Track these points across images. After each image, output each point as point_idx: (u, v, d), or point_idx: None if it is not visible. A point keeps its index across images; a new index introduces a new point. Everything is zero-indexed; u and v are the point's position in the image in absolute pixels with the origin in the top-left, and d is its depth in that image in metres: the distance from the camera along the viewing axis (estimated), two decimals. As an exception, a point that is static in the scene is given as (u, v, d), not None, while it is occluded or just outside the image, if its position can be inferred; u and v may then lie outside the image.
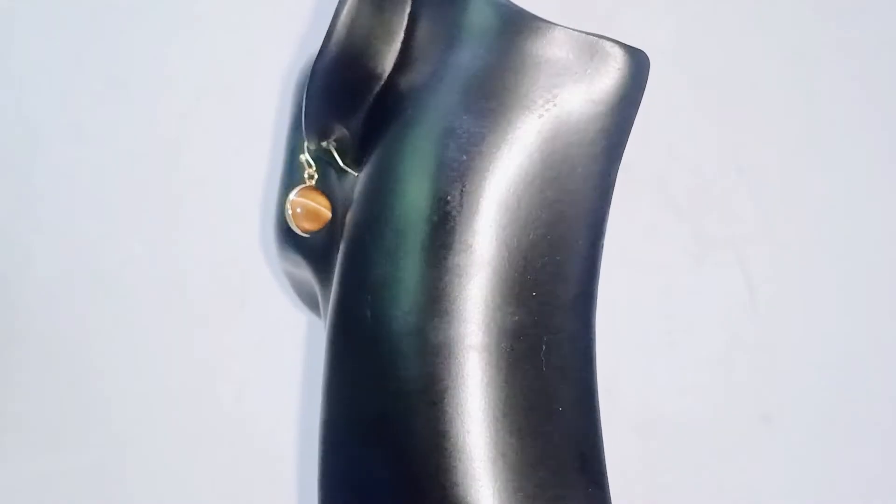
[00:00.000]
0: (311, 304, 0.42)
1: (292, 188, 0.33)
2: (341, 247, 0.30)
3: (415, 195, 0.27)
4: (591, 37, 0.28)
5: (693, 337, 0.53)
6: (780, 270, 0.53)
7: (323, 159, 0.33)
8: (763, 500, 0.52)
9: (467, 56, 0.28)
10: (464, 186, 0.27)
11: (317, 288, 0.35)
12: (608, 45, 0.28)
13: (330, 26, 0.30)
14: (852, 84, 0.53)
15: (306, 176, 0.33)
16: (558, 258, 0.28)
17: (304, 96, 0.31)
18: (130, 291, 0.52)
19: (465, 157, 0.27)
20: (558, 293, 0.29)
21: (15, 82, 0.53)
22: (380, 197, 0.28)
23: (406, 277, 0.27)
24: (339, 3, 0.30)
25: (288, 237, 0.35)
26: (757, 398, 0.52)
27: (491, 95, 0.27)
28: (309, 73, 0.31)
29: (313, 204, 0.32)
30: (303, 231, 0.32)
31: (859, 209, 0.53)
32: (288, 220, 0.32)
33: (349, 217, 0.30)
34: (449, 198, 0.27)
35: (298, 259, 0.36)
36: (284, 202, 0.33)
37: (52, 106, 0.53)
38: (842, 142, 0.53)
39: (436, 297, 0.27)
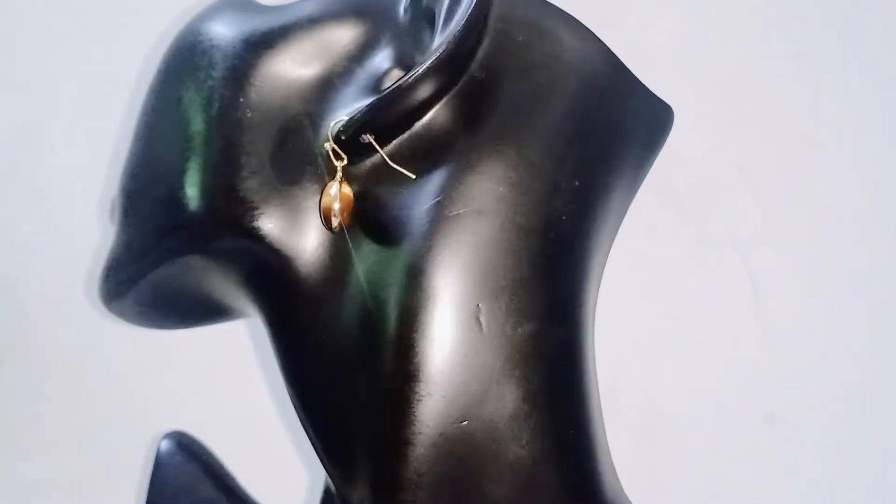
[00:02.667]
0: (185, 312, 0.38)
1: (309, 180, 0.31)
2: (426, 251, 0.29)
3: (535, 213, 0.30)
4: (648, 90, 0.34)
5: (696, 337, 0.53)
6: (783, 270, 0.53)
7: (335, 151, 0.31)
8: (766, 499, 0.52)
9: (568, 94, 0.32)
10: (571, 208, 0.31)
11: (250, 296, 0.33)
12: (657, 98, 0.34)
13: (447, 50, 0.29)
14: (854, 84, 0.53)
15: (338, 167, 0.30)
16: (602, 266, 0.34)
17: (379, 101, 0.29)
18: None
19: (576, 183, 0.31)
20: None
21: (18, 84, 0.53)
22: (496, 209, 0.30)
23: (531, 286, 0.30)
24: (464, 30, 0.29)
25: (238, 232, 0.31)
26: (760, 398, 0.52)
27: (592, 130, 0.32)
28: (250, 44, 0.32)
29: (351, 196, 0.30)
30: (339, 227, 0.30)
31: (861, 208, 0.53)
32: (331, 215, 0.30)
33: (439, 224, 0.29)
34: (564, 218, 0.30)
35: (238, 260, 0.32)
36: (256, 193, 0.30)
37: (55, 107, 0.53)
38: (843, 141, 0.53)
39: (554, 305, 0.30)
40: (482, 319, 0.29)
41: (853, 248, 0.53)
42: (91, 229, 0.52)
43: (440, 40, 0.30)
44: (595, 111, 0.32)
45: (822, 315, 0.52)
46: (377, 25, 0.33)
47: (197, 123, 0.32)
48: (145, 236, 0.33)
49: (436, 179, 0.30)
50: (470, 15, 0.29)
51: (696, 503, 0.52)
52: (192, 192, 0.32)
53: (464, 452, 0.29)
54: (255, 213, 0.31)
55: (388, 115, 0.30)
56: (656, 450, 0.52)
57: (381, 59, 0.32)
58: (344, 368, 0.30)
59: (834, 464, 0.52)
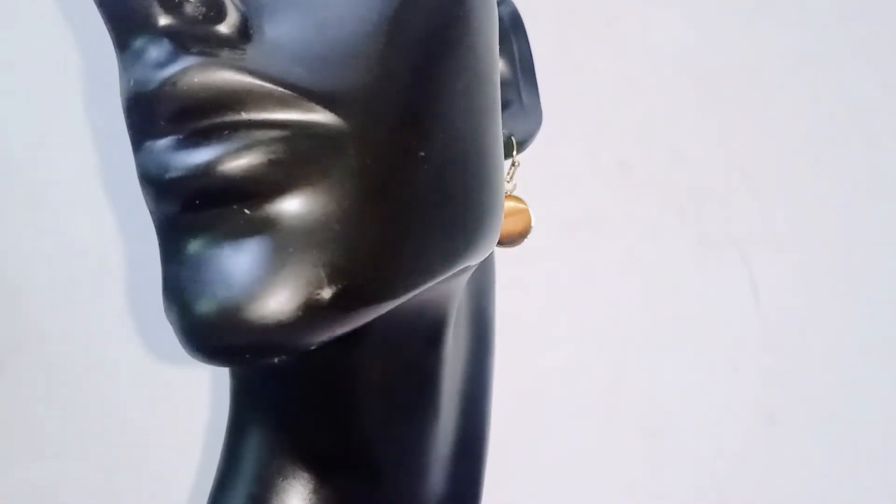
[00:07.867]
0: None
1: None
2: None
3: None
4: None
5: (697, 338, 0.53)
6: (784, 270, 0.53)
7: None
8: (766, 499, 0.52)
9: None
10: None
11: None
12: None
13: None
14: (854, 83, 0.53)
15: (514, 183, 0.30)
16: None
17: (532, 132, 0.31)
18: (135, 294, 0.52)
19: None
20: None
21: (18, 86, 0.53)
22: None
23: None
24: None
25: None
26: (760, 398, 0.52)
27: None
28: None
29: None
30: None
31: (862, 208, 0.53)
32: (527, 232, 0.30)
33: None
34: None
35: None
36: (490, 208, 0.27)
37: (56, 110, 0.53)
38: (843, 141, 0.53)
39: None
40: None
41: (853, 248, 0.53)
42: (94, 234, 0.52)
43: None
44: None
45: (822, 315, 0.52)
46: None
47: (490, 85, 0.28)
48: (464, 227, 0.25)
49: None
50: None
51: (697, 503, 0.52)
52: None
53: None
54: None
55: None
56: (657, 450, 0.52)
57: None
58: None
59: (834, 464, 0.52)
